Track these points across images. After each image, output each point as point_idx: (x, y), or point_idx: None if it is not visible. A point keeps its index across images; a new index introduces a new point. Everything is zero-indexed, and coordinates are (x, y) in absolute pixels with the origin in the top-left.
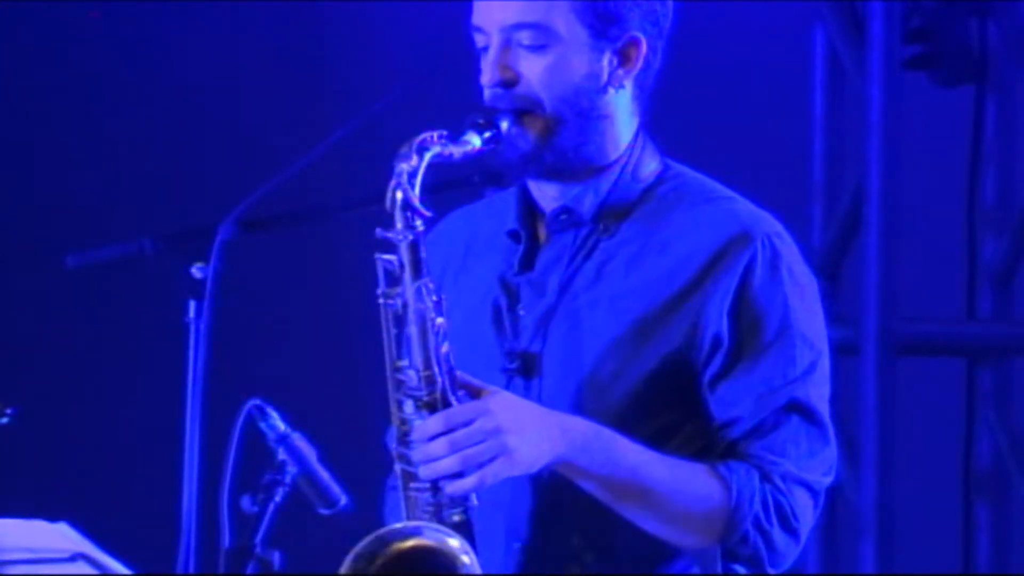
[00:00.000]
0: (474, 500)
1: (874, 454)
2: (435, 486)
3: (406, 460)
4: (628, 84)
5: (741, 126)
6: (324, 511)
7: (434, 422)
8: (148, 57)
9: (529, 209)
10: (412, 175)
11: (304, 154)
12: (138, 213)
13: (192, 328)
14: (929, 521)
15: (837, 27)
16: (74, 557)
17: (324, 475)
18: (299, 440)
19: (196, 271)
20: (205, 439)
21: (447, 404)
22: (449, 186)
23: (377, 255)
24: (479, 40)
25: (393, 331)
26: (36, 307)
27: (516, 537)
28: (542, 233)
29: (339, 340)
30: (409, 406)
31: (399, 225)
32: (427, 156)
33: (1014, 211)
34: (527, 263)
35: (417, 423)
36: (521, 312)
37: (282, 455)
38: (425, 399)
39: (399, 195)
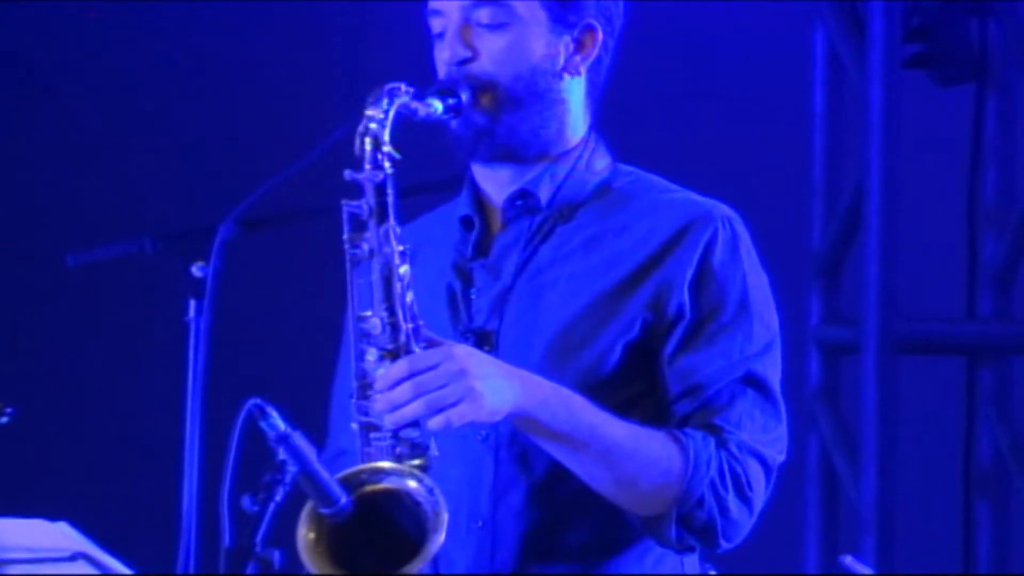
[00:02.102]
0: (434, 449)
1: (874, 453)
2: (396, 436)
3: (365, 412)
4: (583, 72)
5: (741, 125)
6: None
7: (398, 368)
8: (149, 56)
9: (480, 200)
10: (381, 120)
11: (304, 154)
12: (138, 212)
13: (192, 327)
14: (929, 520)
15: (837, 26)
16: (74, 556)
17: (324, 474)
18: (299, 439)
19: (196, 270)
20: (205, 438)
21: (410, 352)
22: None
23: (343, 201)
24: (436, 25)
25: (358, 280)
26: (36, 305)
27: (477, 516)
28: (495, 224)
29: (339, 339)
30: (372, 355)
31: (367, 167)
32: (396, 103)
33: (1014, 210)
34: (481, 249)
35: (380, 372)
36: (474, 295)
37: (282, 454)
38: (389, 348)
39: (368, 137)
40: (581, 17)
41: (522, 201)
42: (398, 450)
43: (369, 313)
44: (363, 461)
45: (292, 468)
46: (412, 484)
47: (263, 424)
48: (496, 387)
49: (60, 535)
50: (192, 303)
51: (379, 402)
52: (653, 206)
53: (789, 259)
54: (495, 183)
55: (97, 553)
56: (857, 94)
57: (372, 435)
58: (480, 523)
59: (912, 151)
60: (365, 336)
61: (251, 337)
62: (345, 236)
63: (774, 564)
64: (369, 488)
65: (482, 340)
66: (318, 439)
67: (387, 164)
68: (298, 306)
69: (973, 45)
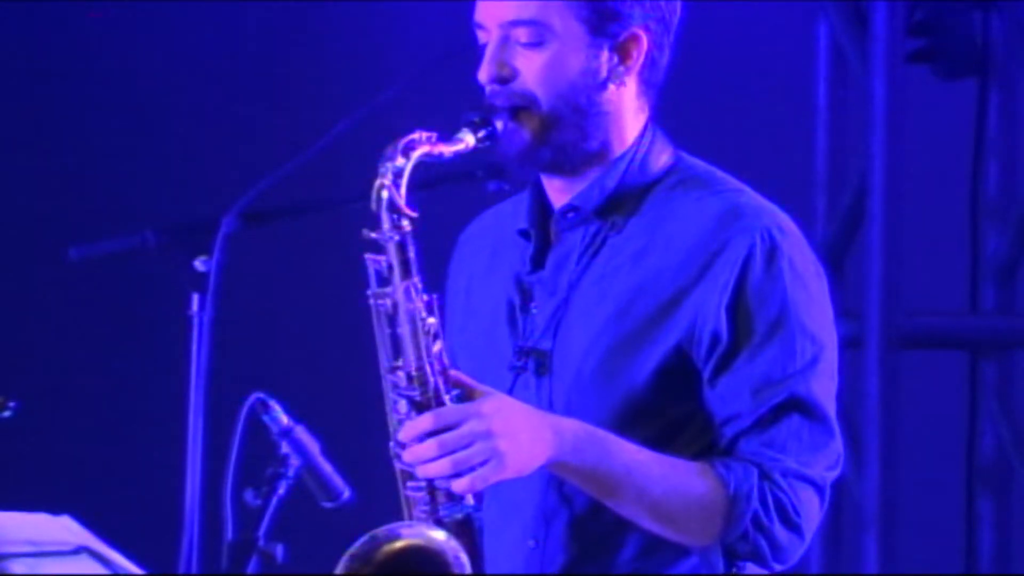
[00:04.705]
0: (470, 500)
1: (877, 448)
2: (431, 486)
3: (401, 459)
4: (630, 80)
5: (745, 120)
6: (327, 504)
7: (423, 421)
8: (151, 51)
9: (541, 206)
10: (397, 175)
11: (306, 147)
12: (141, 206)
13: (195, 321)
14: (932, 515)
15: (840, 21)
16: (78, 550)
17: (327, 468)
18: (302, 433)
19: (199, 264)
20: (208, 432)
21: (440, 404)
22: (451, 180)
23: (366, 255)
24: (481, 37)
25: (386, 331)
26: (39, 300)
27: (530, 535)
28: (553, 231)
29: (342, 333)
30: (403, 406)
31: (386, 226)
32: (414, 156)
33: (1017, 204)
34: (539, 262)
35: (408, 424)
36: (534, 311)
37: (285, 448)
38: (418, 399)
39: (384, 195)
40: (624, 27)
41: (574, 214)
42: (434, 499)
43: (399, 363)
44: (404, 504)
45: (295, 461)
46: (443, 541)
47: (266, 417)
48: (524, 444)
49: (63, 529)
50: (195, 297)
51: (407, 454)
52: (698, 214)
53: None
54: (553, 191)
55: (100, 547)
56: (860, 89)
57: (409, 483)
58: (532, 542)
59: (915, 145)
60: (395, 386)
61: (254, 331)
62: (370, 291)
63: None
64: (399, 544)
65: (537, 361)
66: (321, 433)
67: (405, 222)
68: (301, 300)
69: (976, 39)
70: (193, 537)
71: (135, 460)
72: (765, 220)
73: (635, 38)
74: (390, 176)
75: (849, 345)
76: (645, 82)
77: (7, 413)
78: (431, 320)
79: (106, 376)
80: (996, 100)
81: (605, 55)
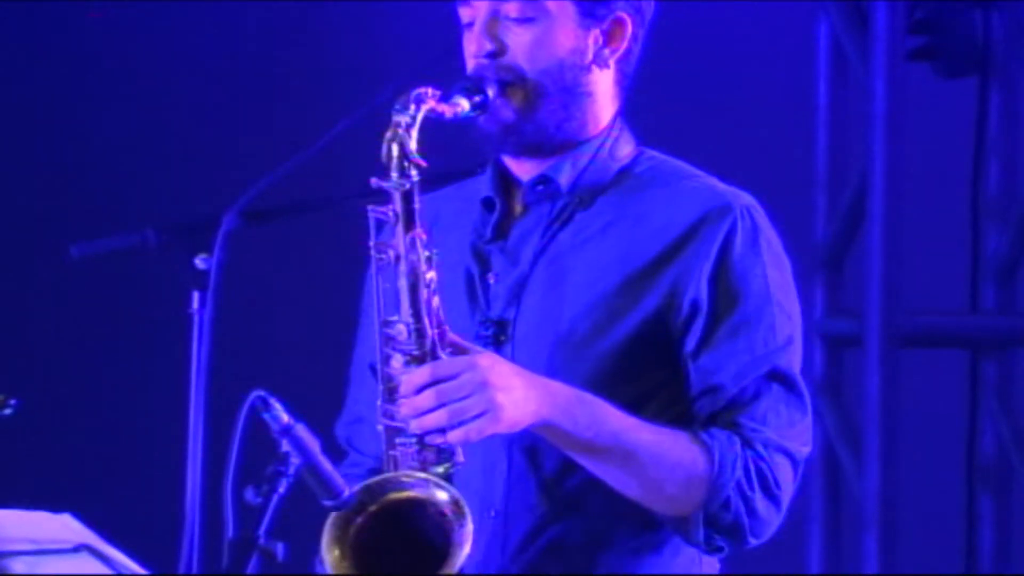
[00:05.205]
0: (460, 455)
1: (877, 447)
2: (421, 442)
3: (391, 416)
4: (612, 64)
5: (745, 118)
6: (327, 503)
7: (422, 373)
8: (151, 49)
9: (504, 180)
10: (408, 126)
11: (307, 145)
12: (142, 204)
13: (196, 319)
14: (932, 514)
15: (841, 19)
16: (78, 548)
17: (327, 466)
18: (303, 431)
19: (200, 262)
20: (208, 430)
21: (436, 358)
22: (447, 178)
23: (369, 207)
24: (464, 15)
25: (383, 285)
26: (40, 297)
27: (490, 505)
28: (516, 206)
29: (342, 332)
30: (397, 360)
31: (394, 175)
32: (423, 108)
33: (1018, 203)
34: (500, 232)
35: (404, 377)
36: (491, 280)
37: (285, 446)
38: (415, 353)
39: (395, 144)
40: (610, 10)
41: (543, 187)
42: (423, 455)
43: (395, 318)
44: (388, 463)
45: (295, 460)
46: (439, 494)
47: (266, 415)
48: (517, 399)
49: (64, 527)
50: (195, 295)
51: (404, 406)
52: (672, 194)
53: (792, 251)
54: (520, 168)
55: (101, 545)
56: (861, 87)
57: (397, 439)
58: (493, 513)
59: (916, 144)
60: (390, 340)
61: (254, 329)
62: (371, 242)
63: (776, 557)
64: (394, 496)
65: (500, 330)
66: (321, 431)
67: (413, 172)
68: (301, 298)
69: (977, 38)
70: (193, 535)
71: (135, 459)
72: (743, 200)
73: (620, 23)
74: (402, 125)
75: (849, 343)
76: (622, 71)
77: (7, 412)
78: (430, 275)
79: (107, 373)
80: (997, 99)
81: (592, 37)
